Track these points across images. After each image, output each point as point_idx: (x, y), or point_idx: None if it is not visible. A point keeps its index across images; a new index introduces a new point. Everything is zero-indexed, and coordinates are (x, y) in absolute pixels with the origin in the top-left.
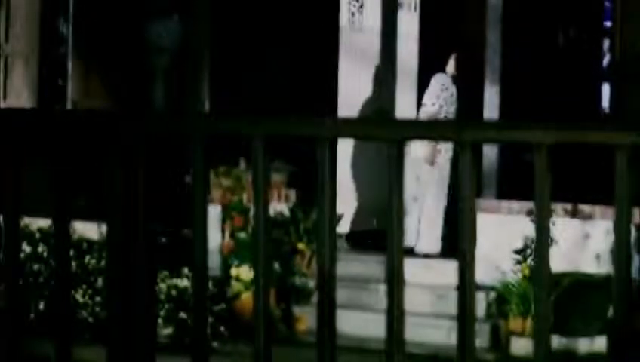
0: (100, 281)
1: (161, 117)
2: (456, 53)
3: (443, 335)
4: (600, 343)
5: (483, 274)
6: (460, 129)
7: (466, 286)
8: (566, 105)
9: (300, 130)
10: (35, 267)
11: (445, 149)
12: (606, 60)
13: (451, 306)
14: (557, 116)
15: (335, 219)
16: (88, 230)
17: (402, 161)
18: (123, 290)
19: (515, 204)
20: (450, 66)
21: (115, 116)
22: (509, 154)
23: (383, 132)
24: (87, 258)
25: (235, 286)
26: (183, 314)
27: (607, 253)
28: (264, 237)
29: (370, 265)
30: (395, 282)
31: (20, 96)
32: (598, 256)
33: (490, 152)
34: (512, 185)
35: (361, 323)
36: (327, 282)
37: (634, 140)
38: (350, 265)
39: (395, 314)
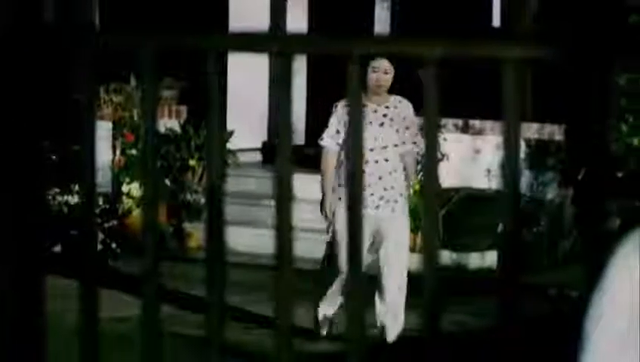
0: None
1: (49, 30)
2: None
3: None
4: (490, 258)
5: None
6: (350, 43)
7: (355, 200)
8: (456, 21)
9: (189, 43)
10: None
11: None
12: None
13: None
14: (447, 31)
15: (224, 134)
16: None
17: (290, 74)
18: (11, 209)
19: None
20: None
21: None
22: (401, 71)
23: (273, 45)
24: None
25: (127, 202)
26: (73, 231)
27: (498, 168)
28: (154, 153)
29: (263, 181)
30: (283, 196)
31: None
32: (488, 171)
33: None
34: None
35: (253, 239)
36: (216, 197)
37: (521, 54)
38: (242, 181)
39: (284, 229)
